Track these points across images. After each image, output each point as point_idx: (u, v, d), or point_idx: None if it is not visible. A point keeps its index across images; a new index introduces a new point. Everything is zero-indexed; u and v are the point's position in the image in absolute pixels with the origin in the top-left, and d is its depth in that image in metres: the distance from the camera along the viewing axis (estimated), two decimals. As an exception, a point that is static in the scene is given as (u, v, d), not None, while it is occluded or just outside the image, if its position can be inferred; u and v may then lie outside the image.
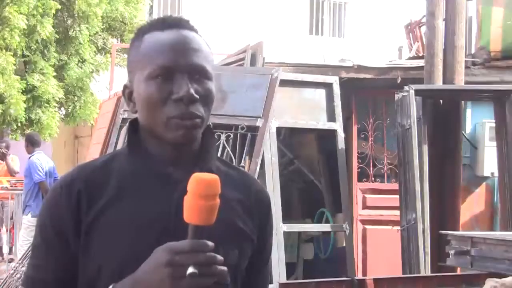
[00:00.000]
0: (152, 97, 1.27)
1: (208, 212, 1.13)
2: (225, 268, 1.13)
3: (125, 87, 1.37)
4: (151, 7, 16.63)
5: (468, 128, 6.69)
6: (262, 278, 1.46)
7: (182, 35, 1.30)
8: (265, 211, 1.43)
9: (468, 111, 6.64)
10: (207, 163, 1.34)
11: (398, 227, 5.25)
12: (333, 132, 5.40)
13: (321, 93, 5.42)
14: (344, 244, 5.43)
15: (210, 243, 1.12)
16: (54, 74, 11.42)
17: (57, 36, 11.74)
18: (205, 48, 1.33)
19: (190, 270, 1.09)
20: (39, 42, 11.27)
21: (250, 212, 1.38)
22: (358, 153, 6.87)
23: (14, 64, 10.71)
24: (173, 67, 1.27)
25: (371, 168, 6.88)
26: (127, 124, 5.02)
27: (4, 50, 10.59)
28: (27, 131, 10.89)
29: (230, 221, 1.33)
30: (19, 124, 11.23)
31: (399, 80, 6.40)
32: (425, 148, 5.38)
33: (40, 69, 11.29)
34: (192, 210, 1.13)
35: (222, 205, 1.16)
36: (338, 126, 5.39)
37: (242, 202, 1.38)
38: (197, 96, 1.26)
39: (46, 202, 1.32)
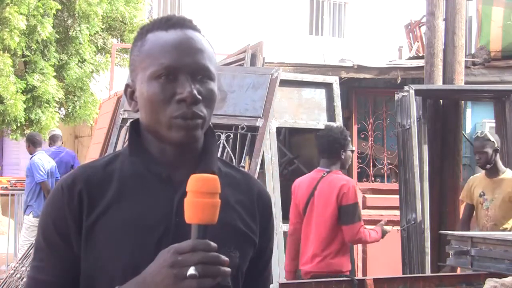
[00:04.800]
0: (155, 97, 1.26)
1: (210, 209, 1.13)
2: (228, 269, 1.12)
3: (127, 86, 1.36)
4: (151, 7, 16.64)
5: (468, 128, 6.70)
6: (263, 279, 1.45)
7: (186, 35, 1.30)
8: (267, 213, 1.42)
9: (468, 111, 6.64)
10: (209, 164, 1.33)
11: (398, 227, 5.25)
12: (333, 132, 5.39)
13: (321, 93, 5.42)
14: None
15: (213, 244, 1.12)
16: (54, 74, 11.41)
17: (58, 36, 11.73)
18: (208, 48, 1.32)
19: (191, 271, 1.09)
20: (39, 42, 11.26)
21: (252, 213, 1.38)
22: (358, 153, 6.88)
23: (12, 66, 10.70)
24: (176, 67, 1.26)
25: (371, 168, 6.88)
26: (128, 125, 5.03)
27: (1, 52, 10.58)
28: (27, 131, 10.88)
29: (231, 222, 1.32)
30: (18, 124, 11.22)
31: (399, 80, 6.41)
32: (425, 148, 5.38)
33: (40, 69, 11.28)
34: (194, 208, 1.12)
35: (223, 206, 1.15)
36: (338, 126, 5.38)
37: (244, 203, 1.38)
38: (200, 97, 1.26)
39: (48, 203, 1.31)
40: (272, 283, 4.08)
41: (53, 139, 8.55)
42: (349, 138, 4.34)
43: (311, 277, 4.06)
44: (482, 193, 4.77)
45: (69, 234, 1.27)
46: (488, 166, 4.77)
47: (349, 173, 6.16)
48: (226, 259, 1.12)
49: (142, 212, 1.27)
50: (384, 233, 4.41)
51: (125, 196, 1.29)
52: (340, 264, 4.14)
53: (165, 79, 1.26)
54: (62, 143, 8.83)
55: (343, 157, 4.27)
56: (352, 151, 4.44)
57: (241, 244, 1.33)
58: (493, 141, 4.75)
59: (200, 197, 1.12)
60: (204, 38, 1.33)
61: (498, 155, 4.79)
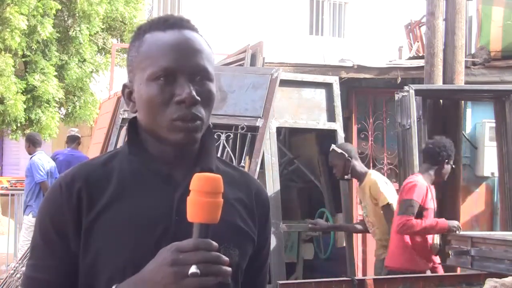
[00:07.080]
0: (154, 99, 1.26)
1: (213, 209, 1.13)
2: (229, 268, 1.13)
3: (125, 86, 1.36)
4: (151, 7, 16.64)
5: (468, 128, 6.69)
6: (262, 277, 1.46)
7: (184, 35, 1.29)
8: (265, 210, 1.43)
9: (468, 111, 6.64)
10: (207, 163, 1.33)
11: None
12: (333, 132, 5.40)
13: (321, 93, 5.41)
14: (344, 244, 5.43)
15: (215, 243, 1.12)
16: (55, 73, 11.41)
17: (58, 35, 11.73)
18: (206, 48, 1.32)
19: (193, 269, 1.09)
20: (40, 42, 11.26)
21: (251, 211, 1.39)
22: (358, 153, 6.86)
23: (13, 66, 10.70)
24: (174, 68, 1.26)
25: (371, 168, 6.87)
26: (127, 124, 5.02)
27: (3, 52, 10.59)
28: (27, 131, 10.88)
29: (231, 220, 1.32)
30: (19, 125, 11.22)
31: (399, 80, 6.40)
32: (425, 148, 5.37)
33: (41, 68, 11.28)
34: (197, 207, 1.12)
35: (223, 204, 1.16)
36: (338, 126, 5.38)
37: (242, 201, 1.38)
38: (199, 98, 1.26)
39: (46, 200, 1.31)
40: (272, 283, 4.08)
41: (69, 140, 8.52)
42: (453, 155, 4.56)
43: (388, 271, 4.34)
44: (360, 201, 4.82)
45: (67, 232, 1.26)
46: (346, 176, 4.80)
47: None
48: (227, 259, 1.12)
49: (141, 210, 1.27)
50: (450, 226, 4.41)
51: (125, 194, 1.28)
52: (408, 261, 4.34)
53: (164, 80, 1.26)
54: (79, 144, 8.75)
55: (443, 168, 4.52)
56: (452, 167, 4.63)
57: (241, 242, 1.34)
58: (341, 153, 4.77)
59: (204, 196, 1.12)
60: (202, 38, 1.33)
61: (355, 162, 4.78)
